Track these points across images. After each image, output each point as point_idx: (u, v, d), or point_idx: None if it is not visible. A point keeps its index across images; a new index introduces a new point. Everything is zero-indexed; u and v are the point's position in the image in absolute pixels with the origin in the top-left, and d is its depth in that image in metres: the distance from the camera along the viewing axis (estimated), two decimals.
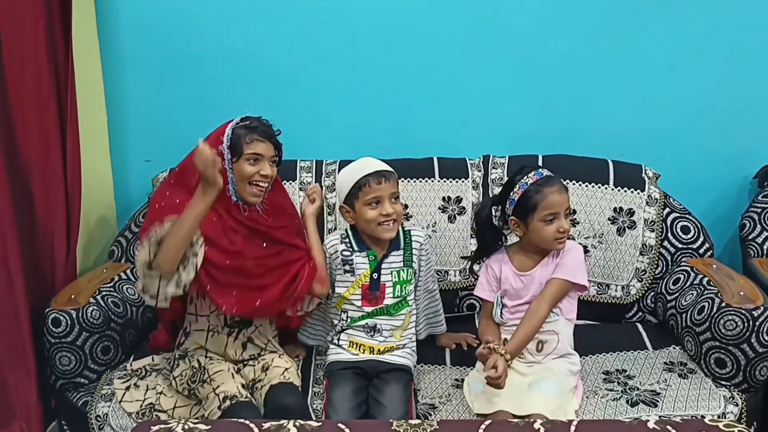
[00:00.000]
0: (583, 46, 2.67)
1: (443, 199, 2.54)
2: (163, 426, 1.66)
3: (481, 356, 1.99)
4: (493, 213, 2.17)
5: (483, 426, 1.64)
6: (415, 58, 2.69)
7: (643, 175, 2.56)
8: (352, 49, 2.68)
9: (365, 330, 2.20)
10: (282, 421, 1.66)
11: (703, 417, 2.02)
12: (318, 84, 2.72)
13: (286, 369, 2.15)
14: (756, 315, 2.08)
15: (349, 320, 2.21)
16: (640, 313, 2.53)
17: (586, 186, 2.53)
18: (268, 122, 2.11)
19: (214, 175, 1.93)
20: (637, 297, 2.50)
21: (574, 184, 2.51)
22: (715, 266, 2.39)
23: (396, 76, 2.70)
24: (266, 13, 2.65)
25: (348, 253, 2.21)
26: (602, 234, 2.50)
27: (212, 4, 2.65)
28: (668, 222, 2.51)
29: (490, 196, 2.52)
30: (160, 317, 2.30)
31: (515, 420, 1.72)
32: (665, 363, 2.24)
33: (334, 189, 2.45)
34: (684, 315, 2.26)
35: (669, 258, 2.50)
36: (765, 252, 2.52)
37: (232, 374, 2.10)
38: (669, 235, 2.51)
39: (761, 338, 2.08)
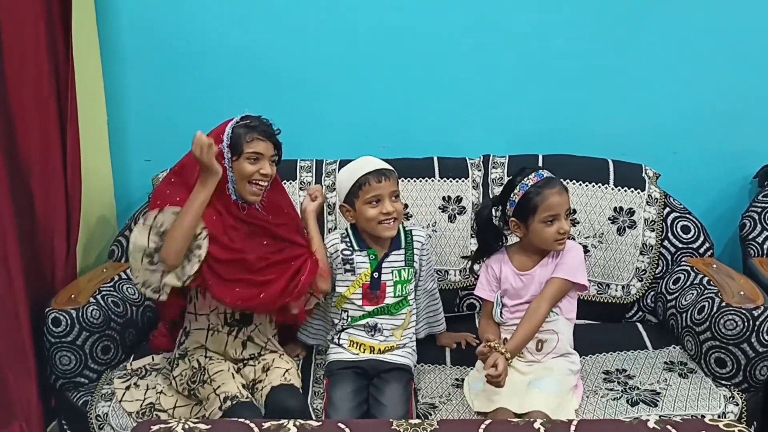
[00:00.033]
0: (583, 46, 2.67)
1: (443, 198, 2.54)
2: (163, 426, 1.66)
3: (481, 355, 1.99)
4: (494, 214, 2.17)
5: (483, 426, 1.64)
6: (415, 58, 2.69)
7: (644, 174, 2.56)
8: (352, 49, 2.68)
9: (366, 329, 2.20)
10: (282, 421, 1.67)
11: (703, 417, 2.02)
12: (318, 84, 2.72)
13: (287, 370, 2.15)
14: (756, 315, 2.08)
15: (349, 319, 2.21)
16: (641, 313, 2.53)
17: (587, 186, 2.53)
18: (268, 121, 2.11)
19: (210, 159, 1.95)
20: (638, 297, 2.50)
21: (574, 183, 2.51)
22: (715, 266, 2.39)
23: (396, 76, 2.70)
24: (266, 13, 2.65)
25: (348, 253, 2.21)
26: (602, 234, 2.50)
27: (212, 4, 2.65)
28: (668, 222, 2.51)
29: (491, 196, 2.52)
30: (162, 316, 2.30)
31: (515, 420, 1.72)
32: (665, 363, 2.24)
33: (334, 188, 2.45)
34: (684, 314, 2.26)
35: (669, 258, 2.50)
36: (765, 252, 2.52)
37: (233, 374, 2.10)
38: (669, 234, 2.51)
39: (761, 338, 2.08)
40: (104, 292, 2.30)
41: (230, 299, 2.05)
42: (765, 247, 2.53)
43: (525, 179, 2.07)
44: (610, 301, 2.52)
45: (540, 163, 2.55)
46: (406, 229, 2.26)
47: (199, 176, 1.99)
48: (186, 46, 2.68)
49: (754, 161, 2.72)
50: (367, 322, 2.20)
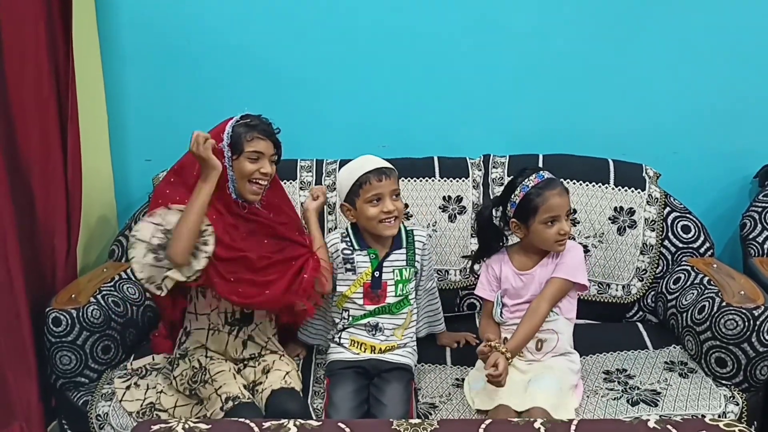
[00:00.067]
0: (583, 46, 2.67)
1: (443, 198, 2.54)
2: (163, 425, 1.66)
3: (481, 354, 2.00)
4: (494, 214, 2.17)
5: (483, 425, 1.64)
6: (415, 58, 2.69)
7: (644, 174, 2.56)
8: (353, 48, 2.68)
9: (367, 329, 2.20)
10: (282, 421, 1.67)
11: (703, 416, 2.02)
12: (318, 83, 2.72)
13: (287, 373, 2.14)
14: (756, 314, 2.08)
15: (350, 319, 2.21)
16: (641, 313, 2.53)
17: (587, 185, 2.53)
18: (268, 120, 2.11)
19: (207, 154, 1.95)
20: (638, 296, 2.50)
21: (574, 183, 2.51)
22: (715, 266, 2.39)
23: (396, 75, 2.70)
24: (266, 13, 2.65)
25: (349, 252, 2.21)
26: (603, 233, 2.50)
27: (212, 4, 2.65)
28: (669, 221, 2.51)
29: (491, 195, 2.53)
30: (163, 316, 2.30)
31: (515, 420, 1.72)
32: (666, 362, 2.24)
33: (335, 188, 2.45)
34: (684, 314, 2.26)
35: (669, 257, 2.50)
36: (765, 251, 2.52)
37: (234, 375, 2.09)
38: (669, 234, 2.51)
39: (762, 337, 2.08)
40: (104, 292, 2.30)
41: (237, 297, 2.05)
42: (765, 246, 2.53)
43: (526, 180, 2.07)
44: (610, 300, 2.52)
45: (540, 163, 2.55)
46: (408, 228, 2.26)
47: (198, 174, 1.99)
48: (186, 46, 2.68)
49: (754, 161, 2.72)
50: (368, 322, 2.20)
